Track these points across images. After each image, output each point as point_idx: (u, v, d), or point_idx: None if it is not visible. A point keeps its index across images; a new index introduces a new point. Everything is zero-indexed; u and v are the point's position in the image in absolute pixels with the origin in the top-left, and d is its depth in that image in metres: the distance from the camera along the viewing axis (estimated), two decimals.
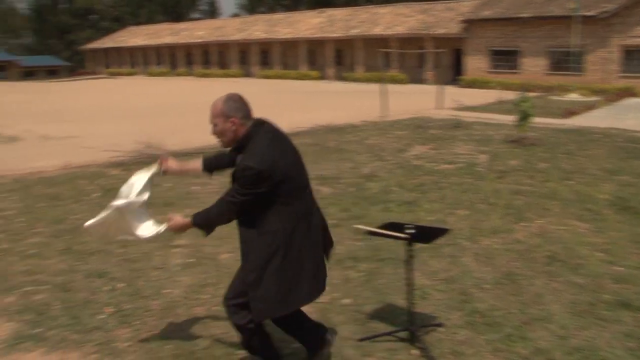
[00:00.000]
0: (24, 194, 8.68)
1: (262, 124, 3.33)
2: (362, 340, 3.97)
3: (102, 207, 7.75)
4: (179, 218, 3.49)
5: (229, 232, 6.32)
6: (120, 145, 11.77)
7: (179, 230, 3.53)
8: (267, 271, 3.21)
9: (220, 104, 3.28)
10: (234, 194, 3.22)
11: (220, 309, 4.50)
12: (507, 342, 3.91)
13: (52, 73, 65.59)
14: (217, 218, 3.36)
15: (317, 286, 3.46)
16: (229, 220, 3.36)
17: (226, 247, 5.89)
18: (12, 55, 69.04)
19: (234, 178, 3.23)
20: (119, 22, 74.69)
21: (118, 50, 62.84)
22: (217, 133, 3.32)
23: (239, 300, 3.34)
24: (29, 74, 63.22)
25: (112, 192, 8.42)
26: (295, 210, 3.29)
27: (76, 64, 72.10)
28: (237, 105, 3.29)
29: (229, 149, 3.45)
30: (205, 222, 3.38)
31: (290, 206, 3.27)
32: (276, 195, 3.20)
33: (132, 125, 17.24)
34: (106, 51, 64.63)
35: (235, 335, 4.09)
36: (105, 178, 9.64)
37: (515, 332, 4.03)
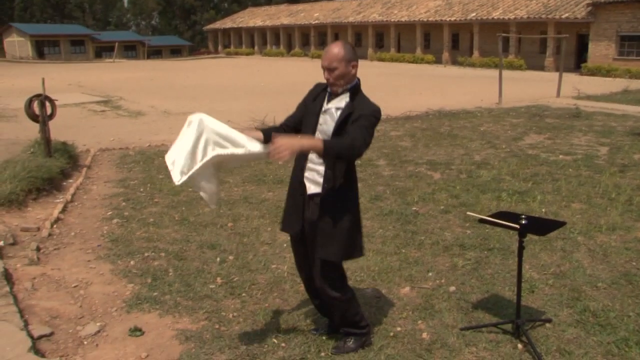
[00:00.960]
0: (146, 165, 9.22)
1: None
2: (465, 329, 3.91)
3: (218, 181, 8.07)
4: (292, 139, 3.18)
5: None
6: (236, 122, 12.13)
7: (289, 151, 3.07)
8: (353, 218, 3.52)
9: (341, 48, 3.35)
10: (367, 134, 3.29)
11: None
12: (622, 346, 3.70)
13: (175, 52, 68.61)
14: (348, 152, 3.26)
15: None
16: (352, 158, 3.39)
17: None
18: (141, 36, 72.78)
19: (360, 120, 3.29)
20: (239, 4, 76.75)
21: (237, 30, 64.63)
22: (336, 77, 3.36)
23: (330, 276, 3.52)
24: (155, 53, 66.46)
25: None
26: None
27: (198, 44, 74.97)
28: (354, 50, 3.41)
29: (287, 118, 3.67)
30: (338, 150, 3.26)
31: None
32: None
33: (247, 103, 17.75)
34: (226, 31, 66.67)
35: None
36: None
37: (632, 337, 3.80)
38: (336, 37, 52.82)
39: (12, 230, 5.94)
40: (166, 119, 14.70)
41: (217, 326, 4.02)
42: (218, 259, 5.22)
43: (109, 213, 6.71)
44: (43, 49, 58.26)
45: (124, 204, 7.07)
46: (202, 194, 3.38)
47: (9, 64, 41.58)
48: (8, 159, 8.21)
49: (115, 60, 53.72)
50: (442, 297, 4.42)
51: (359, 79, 3.45)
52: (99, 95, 20.50)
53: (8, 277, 4.72)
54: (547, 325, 3.98)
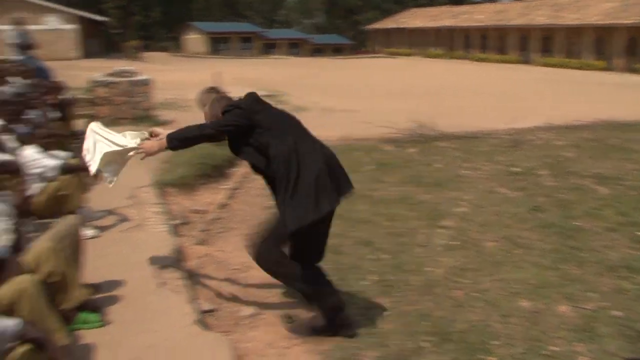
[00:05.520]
0: None
1: None
2: (629, 359, 3.65)
3: (376, 179, 8.21)
4: (153, 143, 3.96)
5: (494, 220, 6.28)
6: (394, 122, 12.17)
7: (146, 154, 3.95)
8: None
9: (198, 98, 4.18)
10: (222, 120, 3.92)
11: (479, 296, 4.52)
12: None
13: (337, 51, 69.96)
14: (192, 132, 3.87)
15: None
16: (198, 138, 3.90)
17: (492, 234, 5.84)
18: (305, 34, 75.09)
19: None
20: (401, 4, 76.68)
21: (398, 31, 64.62)
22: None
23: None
24: (318, 50, 68.17)
25: (385, 166, 8.89)
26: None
27: (358, 43, 75.96)
28: (201, 96, 4.20)
29: None
30: (179, 135, 3.87)
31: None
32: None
33: (407, 103, 17.61)
34: (387, 32, 66.93)
35: (492, 324, 4.08)
36: (379, 152, 10.10)
37: None
38: (500, 40, 51.17)
39: (184, 211, 6.42)
40: (328, 115, 15.01)
41: (368, 322, 4.08)
42: (372, 257, 5.29)
43: (270, 202, 6.99)
44: (216, 45, 62.11)
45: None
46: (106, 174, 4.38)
47: (186, 59, 44.71)
48: None
49: (279, 57, 55.93)
50: (604, 321, 4.15)
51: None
52: (264, 90, 21.38)
53: (180, 253, 5.12)
54: None
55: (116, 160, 4.37)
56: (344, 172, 4.08)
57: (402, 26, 64.03)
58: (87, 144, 4.47)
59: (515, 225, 6.24)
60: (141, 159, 4.06)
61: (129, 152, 4.25)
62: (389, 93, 20.89)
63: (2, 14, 27.38)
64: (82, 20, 35.87)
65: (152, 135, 4.16)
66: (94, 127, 4.45)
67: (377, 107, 16.19)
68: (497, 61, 47.15)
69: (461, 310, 4.25)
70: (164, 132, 4.04)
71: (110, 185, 4.34)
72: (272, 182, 3.84)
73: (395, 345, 3.79)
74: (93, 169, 4.35)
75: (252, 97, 4.01)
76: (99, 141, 4.33)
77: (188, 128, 3.86)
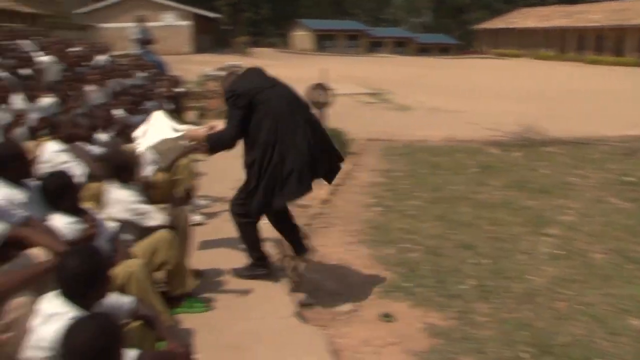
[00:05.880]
0: (410, 159, 9.47)
1: None
2: None
3: (479, 182, 8.06)
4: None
5: (603, 231, 5.99)
6: (501, 124, 11.85)
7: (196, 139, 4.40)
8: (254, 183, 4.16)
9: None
10: (229, 122, 4.19)
11: (583, 309, 4.35)
12: None
13: (443, 51, 68.76)
14: (216, 143, 4.24)
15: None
16: (220, 147, 4.27)
17: (600, 246, 5.58)
18: (411, 33, 74.40)
19: None
20: (512, 4, 74.36)
21: (506, 31, 62.65)
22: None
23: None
24: (424, 50, 67.33)
25: (489, 169, 8.70)
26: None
27: (465, 43, 74.38)
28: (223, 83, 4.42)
29: None
30: (211, 143, 4.23)
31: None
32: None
33: (515, 106, 17.03)
34: (495, 32, 65.06)
35: (598, 340, 3.90)
36: (484, 155, 9.89)
37: None
38: (617, 41, 48.40)
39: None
40: (433, 116, 14.84)
41: (466, 327, 4.02)
42: (473, 261, 5.20)
43: (372, 200, 7.04)
44: (322, 42, 62.82)
45: (386, 193, 7.36)
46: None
47: (293, 55, 45.46)
48: None
49: (385, 56, 55.72)
50: None
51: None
52: (368, 88, 21.39)
53: (282, 246, 5.23)
54: None
55: (162, 148, 4.79)
56: (328, 154, 4.30)
57: (511, 26, 62.08)
58: (144, 127, 5.00)
59: (626, 238, 5.92)
60: (189, 143, 4.62)
61: (177, 140, 4.68)
62: (496, 94, 20.31)
63: (126, 13, 29.15)
64: (195, 16, 37.26)
65: (210, 128, 4.45)
66: (159, 115, 4.98)
67: (484, 109, 15.80)
68: (613, 63, 44.54)
69: (563, 323, 4.10)
70: (220, 125, 4.32)
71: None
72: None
73: (492, 352, 3.71)
74: (141, 149, 4.75)
75: (248, 78, 4.26)
76: (155, 127, 4.81)
77: (220, 134, 4.19)
